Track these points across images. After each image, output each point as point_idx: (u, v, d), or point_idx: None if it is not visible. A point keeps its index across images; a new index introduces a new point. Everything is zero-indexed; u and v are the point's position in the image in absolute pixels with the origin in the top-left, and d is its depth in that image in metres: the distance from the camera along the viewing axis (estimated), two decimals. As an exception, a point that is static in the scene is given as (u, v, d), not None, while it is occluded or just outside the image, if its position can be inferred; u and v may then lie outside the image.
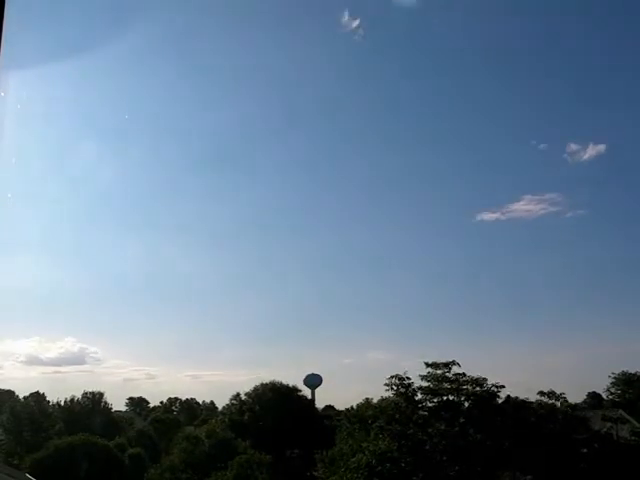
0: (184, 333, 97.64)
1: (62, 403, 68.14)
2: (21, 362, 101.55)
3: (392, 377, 30.80)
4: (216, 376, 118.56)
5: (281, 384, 57.20)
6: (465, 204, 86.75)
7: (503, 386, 30.57)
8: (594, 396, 70.96)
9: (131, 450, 52.47)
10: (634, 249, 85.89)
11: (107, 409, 70.20)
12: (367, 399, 44.03)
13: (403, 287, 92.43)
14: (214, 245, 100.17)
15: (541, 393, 30.75)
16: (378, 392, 38.82)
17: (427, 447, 29.10)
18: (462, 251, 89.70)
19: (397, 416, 30.16)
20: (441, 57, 76.43)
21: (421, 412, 30.98)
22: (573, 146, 75.10)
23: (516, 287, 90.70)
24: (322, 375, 65.53)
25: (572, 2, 66.83)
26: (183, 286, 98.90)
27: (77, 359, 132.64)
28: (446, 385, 30.32)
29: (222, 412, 66.02)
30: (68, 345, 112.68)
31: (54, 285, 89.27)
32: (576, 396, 57.84)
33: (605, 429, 30.94)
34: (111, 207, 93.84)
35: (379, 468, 28.20)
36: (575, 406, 34.03)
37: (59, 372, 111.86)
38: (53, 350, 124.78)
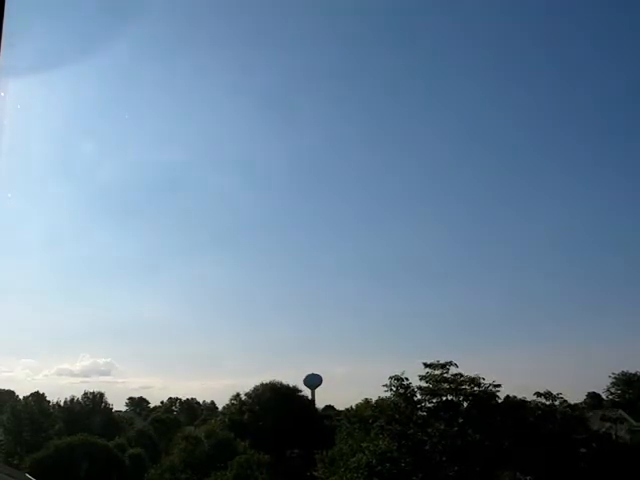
0: (194, 345, 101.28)
1: (62, 403, 68.27)
2: (53, 373, 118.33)
3: (391, 377, 30.85)
4: (221, 385, 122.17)
5: (281, 384, 57.22)
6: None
7: (499, 385, 30.63)
8: (594, 396, 70.91)
9: (131, 450, 52.50)
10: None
11: (107, 409, 70.27)
12: (366, 399, 44.09)
13: (403, 290, 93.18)
14: (215, 247, 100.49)
15: (538, 394, 30.74)
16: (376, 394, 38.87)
17: (427, 447, 29.12)
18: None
19: (397, 416, 30.19)
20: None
21: (420, 412, 31.00)
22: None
23: (515, 288, 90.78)
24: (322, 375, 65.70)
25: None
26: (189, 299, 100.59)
27: (103, 371, 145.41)
28: (445, 385, 30.35)
29: (222, 412, 66.04)
30: (99, 361, 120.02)
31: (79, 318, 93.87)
32: (576, 396, 57.91)
33: (604, 429, 30.97)
34: (112, 208, 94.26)
35: (379, 468, 28.23)
36: (575, 406, 34.04)
37: (86, 382, 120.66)
38: (78, 365, 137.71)
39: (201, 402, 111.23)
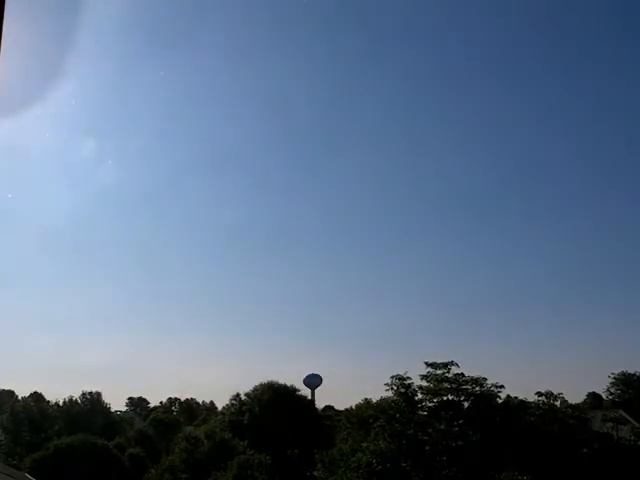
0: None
1: (61, 403, 68.16)
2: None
3: (392, 377, 30.79)
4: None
5: (281, 384, 57.12)
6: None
7: (502, 386, 30.55)
8: (594, 396, 70.95)
9: (131, 450, 52.39)
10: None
11: (106, 409, 70.14)
12: (366, 399, 44.04)
13: (403, 290, 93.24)
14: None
15: (539, 394, 30.67)
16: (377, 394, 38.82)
17: (427, 447, 29.06)
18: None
19: (397, 416, 30.13)
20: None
21: (421, 412, 30.95)
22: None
23: (515, 288, 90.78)
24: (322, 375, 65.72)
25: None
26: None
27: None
28: (446, 385, 30.29)
29: (222, 412, 65.97)
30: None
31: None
32: (576, 396, 57.95)
33: (606, 429, 30.89)
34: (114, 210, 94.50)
35: (379, 468, 28.16)
36: (576, 406, 33.97)
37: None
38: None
39: (200, 402, 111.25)
